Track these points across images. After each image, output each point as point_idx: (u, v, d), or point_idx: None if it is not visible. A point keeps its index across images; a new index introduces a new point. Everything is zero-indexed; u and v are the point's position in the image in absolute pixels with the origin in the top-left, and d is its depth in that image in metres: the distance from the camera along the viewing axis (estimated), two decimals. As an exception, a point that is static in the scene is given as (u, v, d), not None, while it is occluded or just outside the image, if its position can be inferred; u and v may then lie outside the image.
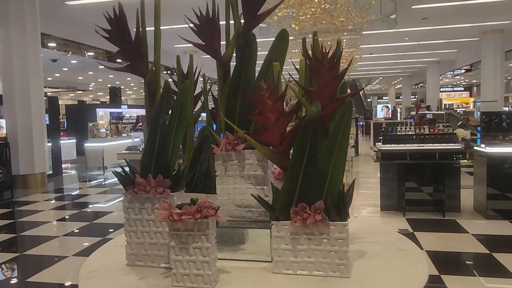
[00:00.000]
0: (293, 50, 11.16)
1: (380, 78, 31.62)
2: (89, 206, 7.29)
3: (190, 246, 1.30)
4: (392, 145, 5.58)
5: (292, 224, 1.37)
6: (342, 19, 8.99)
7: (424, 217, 5.50)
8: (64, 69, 18.48)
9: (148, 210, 1.49)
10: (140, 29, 1.54)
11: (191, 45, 1.65)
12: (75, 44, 11.95)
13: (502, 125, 5.47)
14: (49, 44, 11.07)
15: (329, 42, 9.98)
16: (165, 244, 1.47)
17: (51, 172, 10.12)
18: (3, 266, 4.31)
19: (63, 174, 10.87)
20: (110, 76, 22.67)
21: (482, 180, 5.41)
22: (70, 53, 12.39)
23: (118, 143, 11.37)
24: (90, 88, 28.50)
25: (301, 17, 8.51)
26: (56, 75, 20.60)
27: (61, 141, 11.18)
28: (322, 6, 8.16)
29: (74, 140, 13.23)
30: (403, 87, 31.96)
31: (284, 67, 1.59)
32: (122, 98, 29.43)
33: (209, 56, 1.62)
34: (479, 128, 6.62)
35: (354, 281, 1.33)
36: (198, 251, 1.30)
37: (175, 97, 1.55)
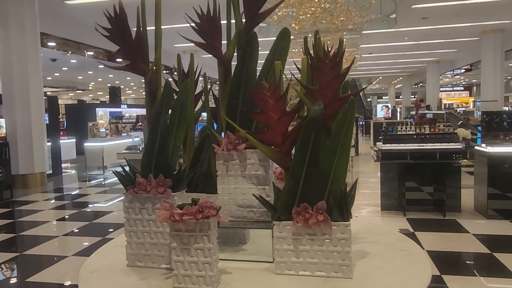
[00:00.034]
0: (293, 50, 11.15)
1: (380, 77, 31.61)
2: (89, 205, 7.28)
3: (191, 247, 1.29)
4: (393, 144, 5.56)
5: (294, 224, 1.36)
6: (342, 18, 8.98)
7: (425, 217, 5.49)
8: (63, 68, 18.47)
9: (148, 210, 1.48)
10: (141, 27, 1.52)
11: (190, 44, 1.64)
12: (75, 44, 11.94)
13: (503, 124, 5.46)
14: (49, 44, 11.06)
15: (329, 42, 9.96)
16: (165, 244, 1.46)
17: (50, 171, 10.10)
18: (2, 266, 4.30)
19: (63, 174, 10.86)
20: (110, 75, 22.66)
21: (482, 180, 5.40)
22: (70, 52, 12.37)
23: (118, 142, 11.36)
24: (90, 88, 28.49)
25: (301, 17, 8.50)
26: (55, 74, 20.59)
27: (60, 141, 11.16)
28: (322, 6, 8.15)
29: (74, 140, 13.21)
30: (403, 86, 31.95)
31: (285, 66, 1.58)
32: (122, 97, 29.40)
33: (209, 55, 1.61)
34: (479, 128, 6.61)
35: (356, 282, 1.32)
36: (200, 252, 1.29)
37: (175, 97, 1.54)
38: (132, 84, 28.04)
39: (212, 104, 1.78)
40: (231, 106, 1.58)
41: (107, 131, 12.16)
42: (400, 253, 1.58)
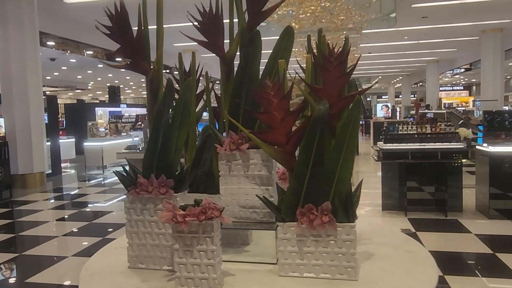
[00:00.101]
0: (293, 49, 11.12)
1: (380, 77, 31.59)
2: (89, 205, 7.25)
3: (194, 249, 1.27)
4: (394, 144, 5.54)
5: (299, 225, 1.33)
6: (342, 17, 8.96)
7: (426, 217, 5.48)
8: (63, 68, 18.44)
9: (150, 211, 1.45)
10: (142, 26, 1.50)
11: (190, 44, 1.63)
12: (74, 43, 11.90)
13: (505, 124, 5.44)
14: (48, 43, 11.02)
15: (329, 41, 9.94)
16: (168, 246, 1.44)
17: (50, 171, 10.08)
18: (2, 266, 4.27)
19: (62, 174, 10.83)
20: (109, 75, 22.63)
21: (484, 180, 5.38)
22: (69, 52, 12.34)
23: (118, 142, 11.33)
24: (89, 87, 28.47)
25: (301, 16, 8.48)
26: (55, 74, 20.56)
27: (60, 140, 11.13)
28: (322, 5, 8.13)
29: (73, 139, 13.18)
30: (403, 86, 31.93)
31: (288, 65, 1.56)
32: (121, 97, 29.36)
33: (209, 55, 1.59)
34: (480, 127, 6.59)
35: (362, 284, 1.30)
36: (203, 253, 1.27)
37: (176, 96, 1.52)
38: (131, 83, 28.01)
39: (213, 103, 1.76)
40: (234, 106, 1.56)
41: (107, 130, 12.14)
42: (405, 255, 1.56)
